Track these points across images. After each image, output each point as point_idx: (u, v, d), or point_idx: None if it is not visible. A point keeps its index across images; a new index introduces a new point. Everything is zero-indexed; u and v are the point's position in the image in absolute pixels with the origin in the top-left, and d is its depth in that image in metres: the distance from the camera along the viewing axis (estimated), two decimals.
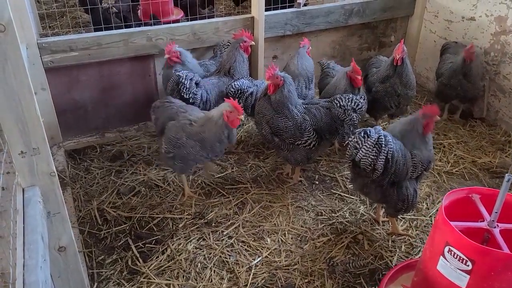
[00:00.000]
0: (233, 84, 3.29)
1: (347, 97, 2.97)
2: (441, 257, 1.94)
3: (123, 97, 3.81)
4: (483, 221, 2.02)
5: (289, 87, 2.97)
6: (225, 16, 4.08)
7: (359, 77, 3.18)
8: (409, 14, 4.68)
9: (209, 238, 2.80)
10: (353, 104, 2.96)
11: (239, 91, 3.29)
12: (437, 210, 3.05)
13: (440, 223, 1.97)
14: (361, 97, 3.03)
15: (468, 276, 1.85)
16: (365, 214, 3.04)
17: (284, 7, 4.21)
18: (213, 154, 2.92)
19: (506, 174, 1.89)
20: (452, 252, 1.87)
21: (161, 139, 2.97)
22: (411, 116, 2.66)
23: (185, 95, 3.21)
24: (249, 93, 3.32)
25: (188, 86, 3.20)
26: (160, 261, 2.64)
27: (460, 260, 1.85)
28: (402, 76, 3.42)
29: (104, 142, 3.70)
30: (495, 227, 1.97)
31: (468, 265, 1.83)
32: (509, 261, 1.78)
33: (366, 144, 2.46)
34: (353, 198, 3.17)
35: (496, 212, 1.94)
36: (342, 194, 3.21)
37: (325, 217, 3.01)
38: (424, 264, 2.11)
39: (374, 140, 2.45)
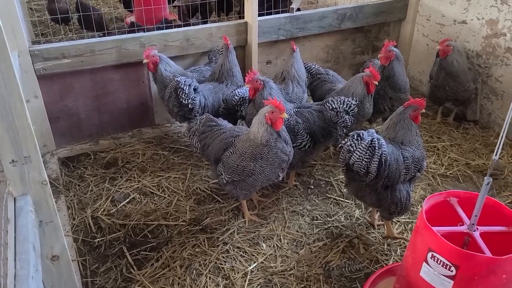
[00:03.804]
0: (236, 92, 3.28)
1: (339, 100, 2.98)
2: (424, 263, 1.92)
3: (117, 104, 3.79)
4: (463, 224, 2.02)
5: (270, 90, 2.99)
6: (218, 22, 4.08)
7: (376, 83, 3.20)
8: (402, 18, 4.71)
9: (204, 244, 2.79)
10: (345, 106, 2.97)
11: (242, 99, 3.28)
12: None
13: (422, 228, 1.95)
14: (353, 99, 3.04)
15: (452, 282, 1.84)
16: (360, 218, 3.04)
17: (277, 13, 4.22)
18: (279, 168, 2.67)
19: (485, 177, 1.89)
20: (436, 258, 1.86)
21: (217, 168, 2.76)
22: (398, 109, 2.69)
23: (184, 101, 3.21)
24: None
25: (187, 92, 3.20)
26: (155, 268, 2.62)
27: (444, 266, 1.84)
28: (389, 78, 3.44)
29: (98, 149, 3.68)
30: (475, 231, 1.97)
31: (452, 271, 1.82)
32: (493, 264, 1.77)
33: (360, 146, 2.46)
34: (348, 202, 3.17)
35: (476, 216, 1.94)
36: (337, 198, 3.21)
37: (320, 221, 3.00)
38: (407, 271, 2.10)
39: (367, 143, 2.46)
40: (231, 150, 2.68)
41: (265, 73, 4.19)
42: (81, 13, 4.31)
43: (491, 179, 1.90)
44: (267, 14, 4.14)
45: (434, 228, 1.89)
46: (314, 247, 2.80)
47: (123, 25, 5.41)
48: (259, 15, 3.94)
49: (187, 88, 3.18)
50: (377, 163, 2.45)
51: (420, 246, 1.97)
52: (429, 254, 1.89)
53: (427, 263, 1.91)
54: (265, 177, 2.67)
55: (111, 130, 3.86)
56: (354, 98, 3.09)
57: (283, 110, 2.49)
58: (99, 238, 2.83)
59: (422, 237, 1.96)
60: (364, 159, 2.46)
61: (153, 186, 3.27)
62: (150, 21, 4.53)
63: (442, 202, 2.16)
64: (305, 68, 3.71)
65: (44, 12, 6.00)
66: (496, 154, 1.87)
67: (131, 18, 5.32)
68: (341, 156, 2.55)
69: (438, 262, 1.85)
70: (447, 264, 1.83)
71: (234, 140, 2.70)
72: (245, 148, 2.62)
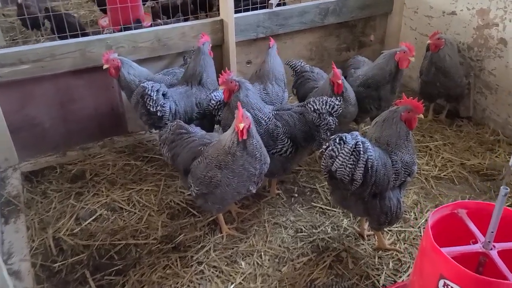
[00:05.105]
0: (213, 95, 3.01)
1: (321, 100, 2.73)
2: None
3: (85, 111, 3.51)
4: (476, 241, 1.75)
5: (247, 92, 2.73)
6: (192, 20, 3.81)
7: (339, 82, 2.94)
8: (388, 11, 4.47)
9: (177, 265, 2.52)
10: (328, 107, 2.71)
11: (219, 103, 3.01)
12: (426, 220, 2.81)
13: (429, 250, 1.68)
14: (336, 99, 2.78)
15: None
16: (348, 228, 2.79)
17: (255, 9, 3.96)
18: (250, 181, 2.41)
19: (502, 187, 1.61)
20: (449, 287, 1.59)
21: (187, 179, 2.52)
22: (391, 108, 2.41)
23: (152, 109, 2.94)
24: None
25: (155, 99, 2.93)
26: None
27: None
28: (395, 81, 3.19)
29: (65, 162, 3.39)
30: (491, 249, 1.70)
31: None
32: None
33: (343, 151, 2.21)
34: (335, 211, 2.92)
35: (492, 232, 1.67)
36: (324, 207, 2.95)
37: (305, 233, 2.75)
38: None
39: (351, 147, 2.20)
40: (199, 159, 2.42)
41: (245, 74, 3.93)
42: (48, 14, 4.03)
43: (508, 189, 1.63)
44: (245, 10, 3.89)
45: (444, 250, 1.62)
46: (298, 263, 2.54)
47: (97, 27, 5.13)
48: (236, 12, 3.69)
49: (155, 94, 2.91)
50: (362, 169, 2.20)
51: (429, 272, 1.69)
52: (441, 282, 1.61)
53: None
54: (234, 190, 2.40)
55: (79, 140, 3.57)
56: (338, 99, 2.85)
57: (239, 121, 2.21)
58: (59, 262, 2.55)
59: (431, 261, 1.68)
60: (348, 165, 2.20)
61: (122, 200, 3.00)
62: (123, 22, 4.25)
63: (449, 215, 1.88)
64: (290, 66, 3.47)
65: (15, 18, 5.72)
66: None
67: (105, 20, 5.05)
68: (323, 162, 2.30)
69: None
70: None
71: (203, 148, 2.44)
72: (212, 156, 2.36)
